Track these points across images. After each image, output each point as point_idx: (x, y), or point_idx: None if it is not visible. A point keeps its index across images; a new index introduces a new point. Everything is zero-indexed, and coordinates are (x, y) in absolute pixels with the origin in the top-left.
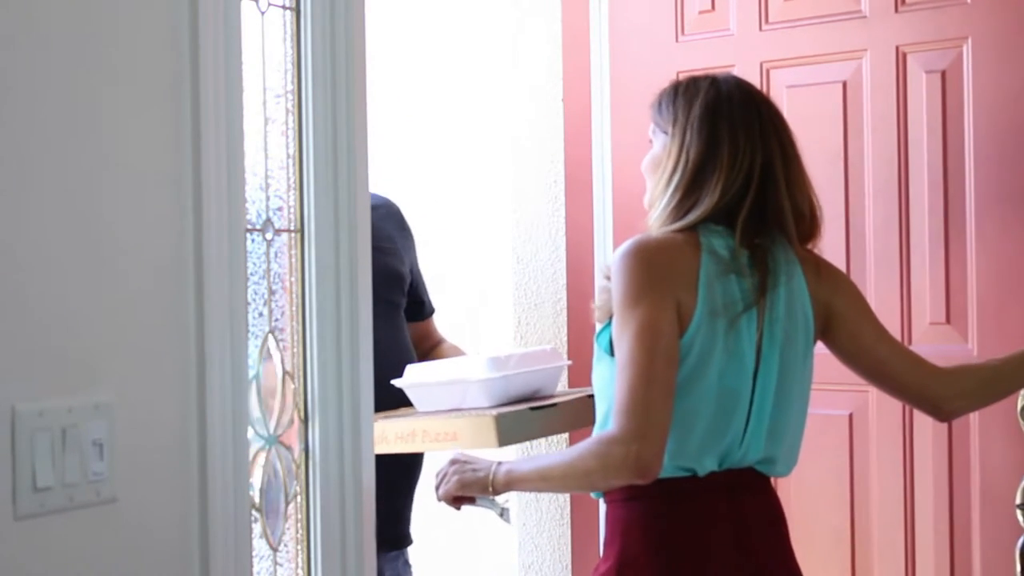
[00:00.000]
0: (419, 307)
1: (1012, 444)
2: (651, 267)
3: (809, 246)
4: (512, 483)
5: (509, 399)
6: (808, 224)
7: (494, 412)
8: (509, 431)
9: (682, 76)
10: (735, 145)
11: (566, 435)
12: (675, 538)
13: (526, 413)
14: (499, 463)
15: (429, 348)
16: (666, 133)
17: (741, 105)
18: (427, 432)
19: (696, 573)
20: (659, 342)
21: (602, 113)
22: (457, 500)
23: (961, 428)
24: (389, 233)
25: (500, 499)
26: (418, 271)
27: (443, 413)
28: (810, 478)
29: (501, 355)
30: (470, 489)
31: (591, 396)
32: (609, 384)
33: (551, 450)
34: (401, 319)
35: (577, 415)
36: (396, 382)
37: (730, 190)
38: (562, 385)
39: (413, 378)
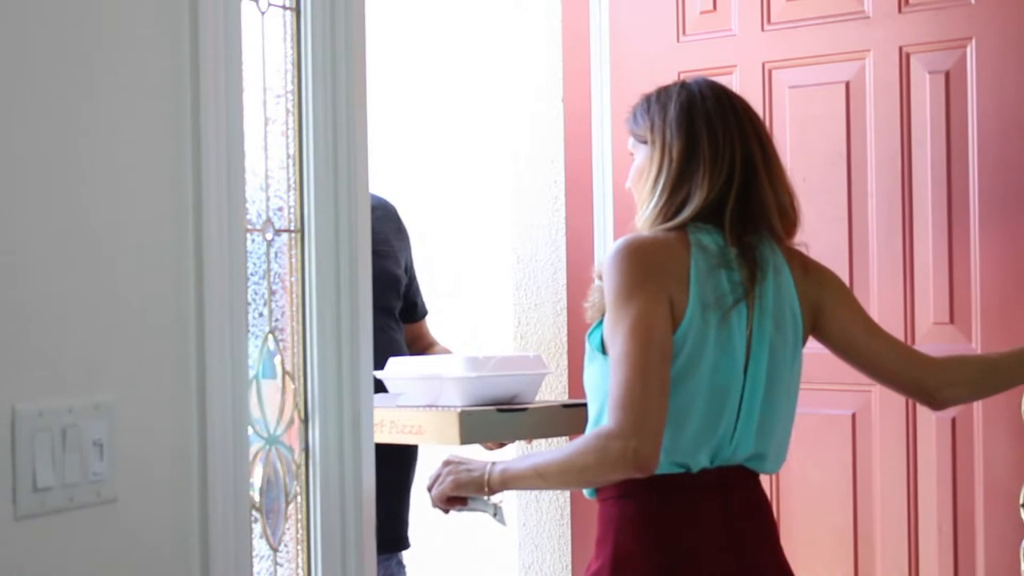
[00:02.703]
0: (412, 309)
1: (1016, 443)
2: (643, 264)
3: (790, 242)
4: (508, 481)
5: (484, 400)
6: (790, 220)
7: (459, 409)
8: (473, 430)
9: (683, 76)
10: (714, 138)
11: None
12: (669, 536)
13: (492, 414)
14: (494, 463)
15: (420, 350)
16: (645, 143)
17: (715, 101)
18: (394, 423)
19: (690, 570)
20: (653, 337)
21: (602, 113)
22: (449, 502)
23: (964, 427)
24: (386, 236)
25: (495, 498)
26: (413, 273)
27: (415, 407)
28: (814, 478)
29: (480, 356)
30: (465, 489)
31: (565, 406)
32: (601, 383)
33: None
34: (396, 323)
35: (545, 423)
36: (376, 373)
37: (716, 184)
38: (563, 388)
39: (392, 371)
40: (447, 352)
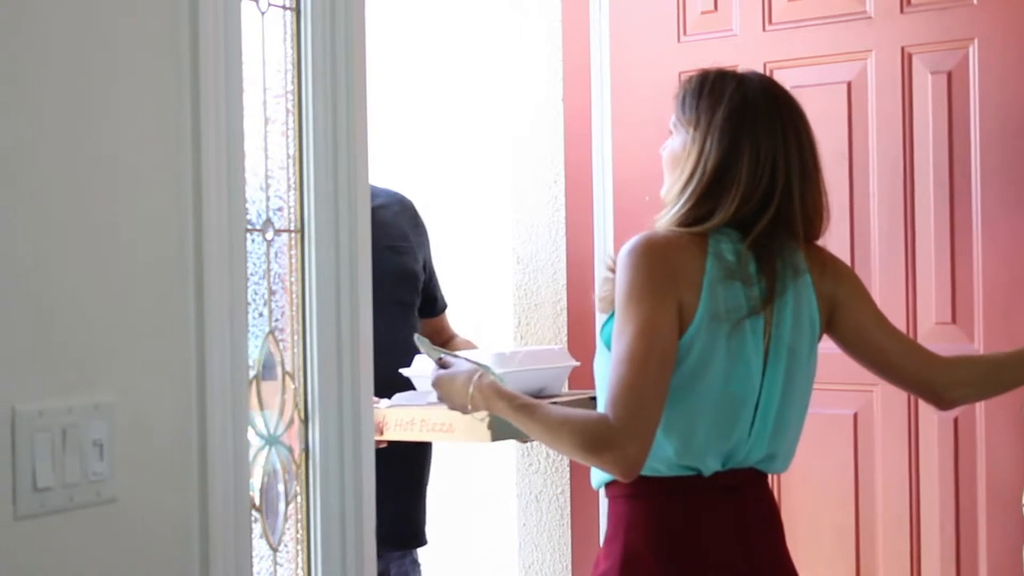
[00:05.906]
0: (432, 303)
1: (1018, 443)
2: (656, 266)
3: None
4: (491, 410)
5: None
6: (814, 226)
7: None
8: (503, 427)
9: (714, 68)
10: (755, 160)
11: None
12: (679, 536)
13: None
14: (479, 387)
15: (442, 343)
16: (687, 132)
17: (766, 114)
18: (425, 422)
19: (700, 571)
20: (657, 343)
21: (602, 113)
22: None
23: (967, 427)
24: (404, 231)
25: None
26: (432, 267)
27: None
28: (815, 477)
29: (507, 351)
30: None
31: (593, 399)
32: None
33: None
34: (414, 318)
35: None
36: (404, 371)
37: (746, 205)
38: (563, 386)
39: (420, 369)
40: (469, 344)
